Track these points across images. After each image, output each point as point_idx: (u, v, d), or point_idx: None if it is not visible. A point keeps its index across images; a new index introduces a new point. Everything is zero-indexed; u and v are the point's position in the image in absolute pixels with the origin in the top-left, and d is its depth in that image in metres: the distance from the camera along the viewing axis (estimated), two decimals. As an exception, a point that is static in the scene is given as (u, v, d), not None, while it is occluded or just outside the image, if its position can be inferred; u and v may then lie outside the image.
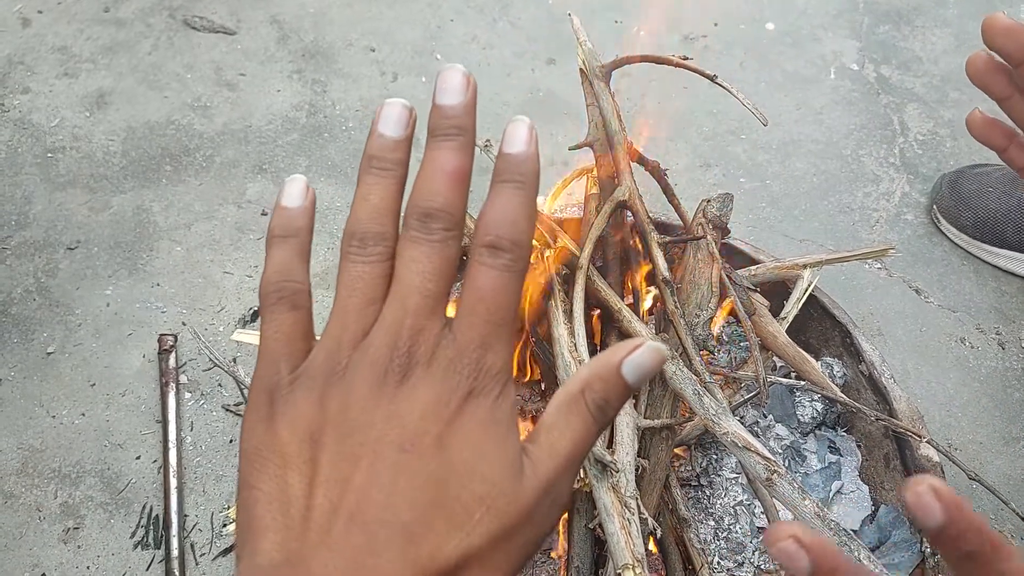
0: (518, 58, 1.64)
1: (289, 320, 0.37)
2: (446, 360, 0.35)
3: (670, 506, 0.95)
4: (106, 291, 1.25)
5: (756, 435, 1.07)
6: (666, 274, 0.85)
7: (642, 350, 0.37)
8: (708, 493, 1.03)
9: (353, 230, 0.37)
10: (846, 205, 1.47)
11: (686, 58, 0.84)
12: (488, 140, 1.19)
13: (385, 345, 0.35)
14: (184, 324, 1.22)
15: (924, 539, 0.96)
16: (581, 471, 0.76)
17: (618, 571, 0.69)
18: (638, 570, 0.69)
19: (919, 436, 0.94)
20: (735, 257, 1.13)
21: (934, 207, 1.45)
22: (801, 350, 0.99)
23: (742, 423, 1.09)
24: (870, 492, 1.05)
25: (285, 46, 1.60)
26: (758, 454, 0.80)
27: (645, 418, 0.87)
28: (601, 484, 0.74)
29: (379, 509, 0.33)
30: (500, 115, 1.55)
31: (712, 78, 0.81)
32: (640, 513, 0.76)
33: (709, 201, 0.95)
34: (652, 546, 0.92)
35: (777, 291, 1.10)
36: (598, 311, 0.97)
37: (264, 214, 1.36)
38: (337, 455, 0.34)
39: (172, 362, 1.17)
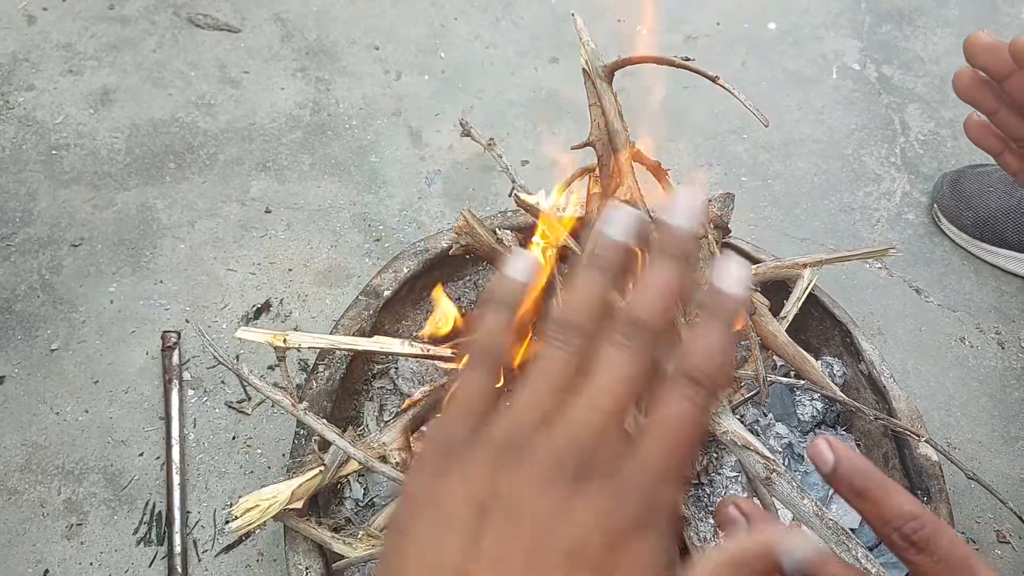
0: (521, 57, 1.65)
1: (488, 383, 0.38)
2: (626, 476, 0.35)
3: (670, 504, 0.96)
4: (110, 288, 1.26)
5: (756, 434, 1.08)
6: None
7: (805, 544, 0.36)
8: (708, 491, 1.04)
9: (561, 316, 0.38)
10: (847, 204, 1.48)
11: (688, 59, 0.84)
12: (491, 139, 1.19)
13: (570, 439, 0.35)
14: (187, 321, 1.23)
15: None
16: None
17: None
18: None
19: (918, 436, 0.95)
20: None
21: (935, 206, 1.45)
22: (801, 349, 1.00)
23: (742, 422, 1.10)
24: (869, 491, 1.05)
25: (289, 44, 1.61)
26: (757, 453, 0.81)
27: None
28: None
29: None
30: (504, 113, 1.55)
31: (714, 79, 0.82)
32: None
33: (710, 200, 0.95)
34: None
35: (777, 290, 1.11)
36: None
37: (268, 211, 1.37)
38: (503, 535, 0.34)
39: (175, 359, 1.18)
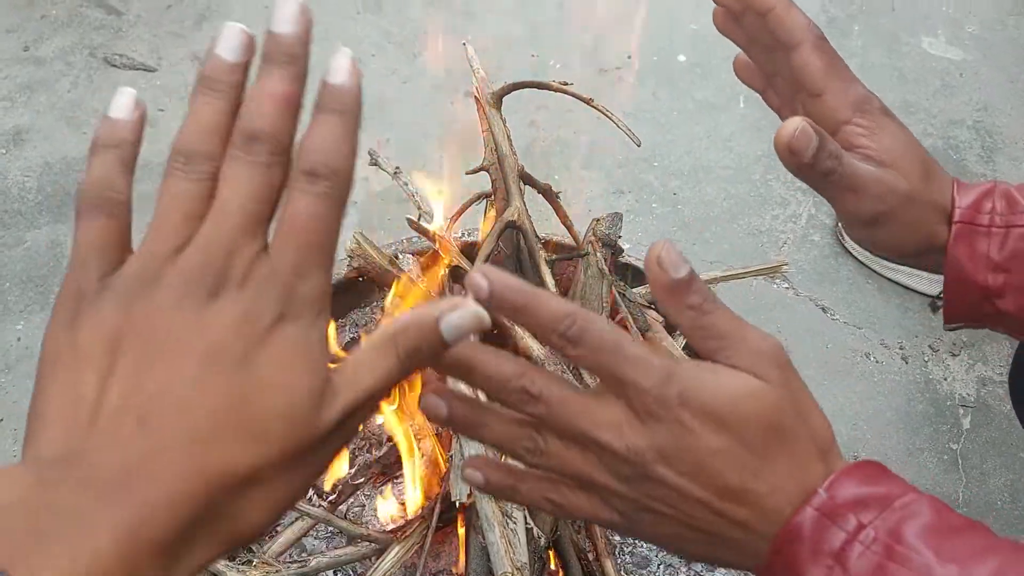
0: (437, 91, 1.67)
1: (104, 227, 0.37)
2: (260, 280, 0.36)
3: (576, 525, 0.97)
4: (17, 326, 1.25)
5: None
6: (553, 290, 0.87)
7: (463, 311, 0.38)
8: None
9: (180, 147, 0.37)
10: (755, 228, 1.52)
11: (566, 83, 0.87)
12: (398, 168, 1.21)
13: (199, 260, 0.35)
14: (96, 357, 1.22)
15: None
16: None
17: (497, 578, 0.71)
18: (516, 577, 0.70)
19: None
20: (638, 276, 1.16)
21: (838, 224, 1.50)
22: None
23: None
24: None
25: (205, 82, 1.62)
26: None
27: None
28: (483, 495, 0.76)
29: (172, 414, 0.33)
30: (420, 145, 1.58)
31: (588, 101, 0.85)
32: (526, 523, 0.78)
33: (599, 220, 0.98)
34: (553, 562, 0.94)
35: (679, 309, 1.13)
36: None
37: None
38: (136, 360, 0.34)
39: (82, 395, 1.17)
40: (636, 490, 0.43)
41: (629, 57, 1.76)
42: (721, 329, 0.43)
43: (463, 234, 1.17)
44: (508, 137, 0.97)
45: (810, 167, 0.55)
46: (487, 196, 1.05)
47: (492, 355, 0.43)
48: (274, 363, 0.35)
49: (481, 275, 0.41)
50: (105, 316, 0.35)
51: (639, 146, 0.84)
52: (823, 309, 1.42)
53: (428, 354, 0.39)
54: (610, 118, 0.84)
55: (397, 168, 1.21)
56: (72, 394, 0.34)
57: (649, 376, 0.41)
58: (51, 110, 1.54)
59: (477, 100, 0.99)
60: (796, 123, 0.54)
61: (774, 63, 0.65)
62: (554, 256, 0.89)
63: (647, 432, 0.42)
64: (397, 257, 1.04)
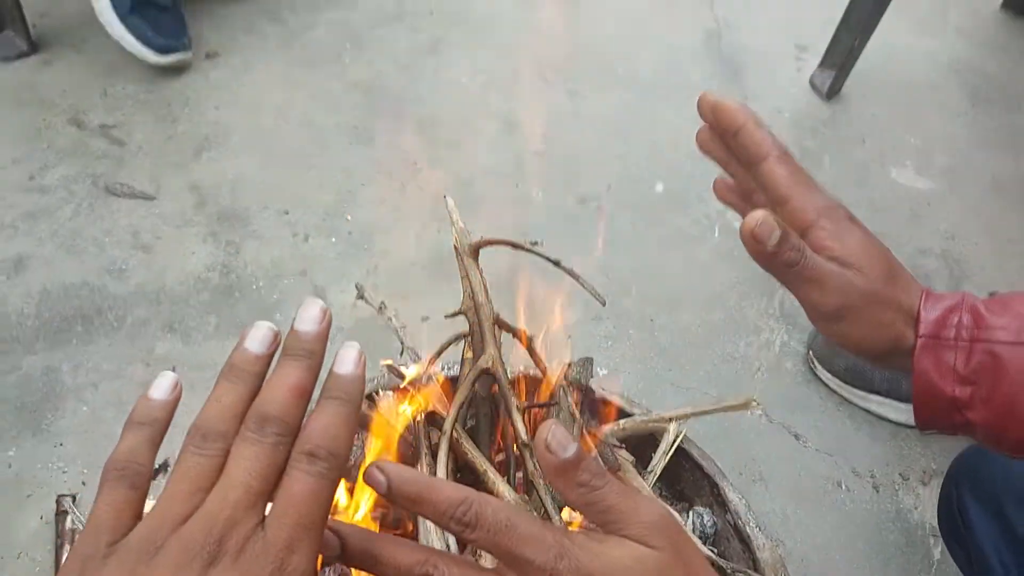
0: (425, 220, 1.75)
1: (123, 497, 0.41)
2: (253, 554, 0.39)
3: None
4: (8, 452, 1.28)
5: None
6: (524, 438, 0.91)
7: None
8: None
9: (199, 426, 0.43)
10: (729, 355, 1.57)
11: (535, 243, 0.93)
12: (383, 303, 1.26)
13: (200, 531, 0.39)
14: (84, 484, 1.25)
15: None
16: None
17: None
18: None
19: (774, 585, 1.00)
20: (610, 410, 1.20)
21: (809, 352, 1.55)
22: (664, 505, 1.05)
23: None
24: (741, 639, 1.09)
25: (202, 210, 1.69)
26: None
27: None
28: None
29: None
30: (407, 272, 1.64)
31: (556, 263, 0.90)
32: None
33: (570, 365, 1.03)
34: None
35: (654, 443, 1.17)
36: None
37: (173, 370, 1.40)
38: None
39: (69, 523, 1.19)
40: None
41: (609, 187, 1.84)
42: (610, 503, 0.47)
43: (444, 367, 1.22)
44: (484, 287, 1.02)
45: (773, 256, 0.60)
46: (465, 336, 1.10)
47: (394, 544, 0.46)
48: None
49: (378, 470, 0.46)
50: None
51: (604, 305, 0.89)
52: (796, 436, 1.46)
53: None
54: (576, 279, 0.90)
55: (383, 303, 1.26)
56: None
57: (543, 552, 0.45)
58: (52, 238, 1.60)
59: (456, 250, 1.05)
60: (760, 215, 0.59)
61: (749, 179, 0.70)
62: (526, 404, 0.94)
63: None
64: (377, 393, 1.08)
